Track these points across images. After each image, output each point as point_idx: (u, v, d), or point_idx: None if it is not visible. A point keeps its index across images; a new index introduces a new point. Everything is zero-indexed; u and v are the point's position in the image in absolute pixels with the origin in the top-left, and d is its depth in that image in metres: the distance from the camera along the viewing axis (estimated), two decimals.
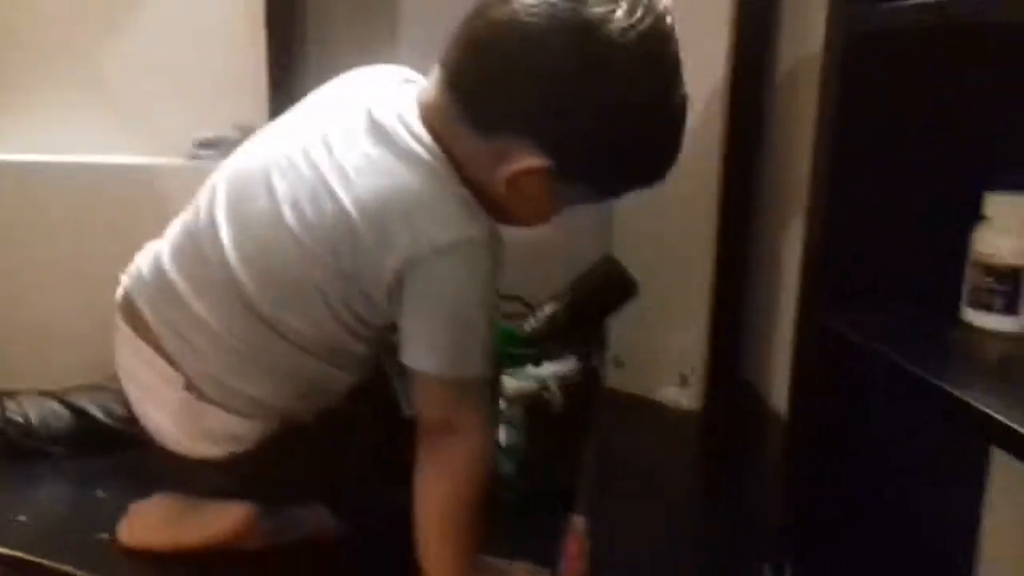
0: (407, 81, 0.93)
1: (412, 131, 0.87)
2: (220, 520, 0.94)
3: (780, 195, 1.69)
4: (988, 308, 0.90)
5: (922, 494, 1.06)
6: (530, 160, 0.85)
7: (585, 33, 0.81)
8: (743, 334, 1.84)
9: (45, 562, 0.92)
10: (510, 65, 0.84)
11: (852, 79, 0.92)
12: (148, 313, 0.93)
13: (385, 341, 0.99)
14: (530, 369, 1.24)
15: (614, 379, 1.76)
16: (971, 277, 0.92)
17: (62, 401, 1.18)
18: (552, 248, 1.45)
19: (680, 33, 0.83)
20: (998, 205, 0.91)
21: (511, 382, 1.20)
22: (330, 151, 0.88)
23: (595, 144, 0.86)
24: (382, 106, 0.89)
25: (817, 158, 0.95)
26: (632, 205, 1.68)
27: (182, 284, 0.91)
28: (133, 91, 1.35)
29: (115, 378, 1.00)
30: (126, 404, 1.06)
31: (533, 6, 0.82)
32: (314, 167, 0.88)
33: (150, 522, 0.97)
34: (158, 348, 0.92)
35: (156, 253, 0.95)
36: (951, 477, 1.06)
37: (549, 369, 1.24)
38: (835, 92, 0.92)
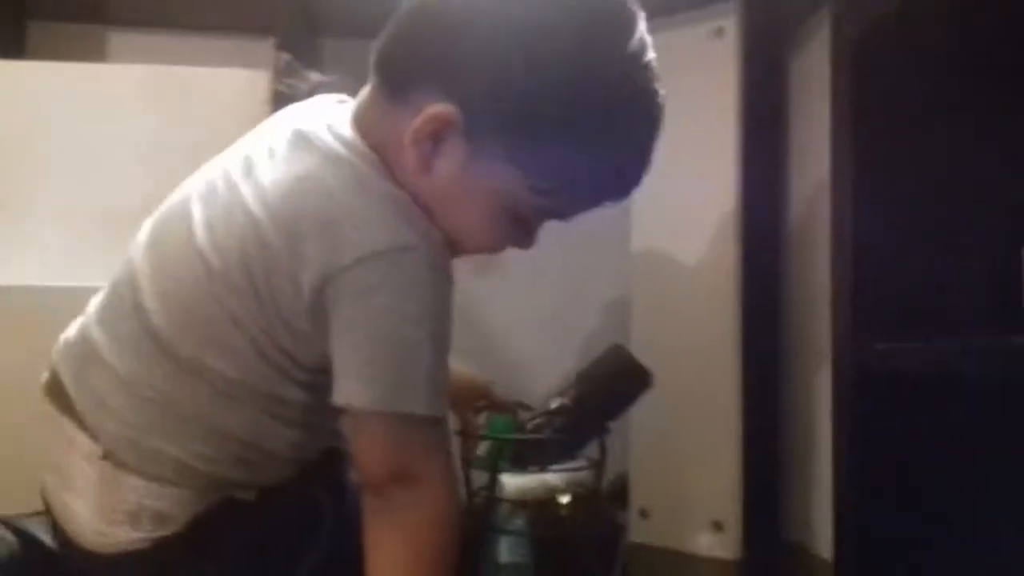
0: (342, 102, 0.84)
1: (336, 132, 0.77)
2: None
3: (809, 321, 1.58)
4: None
5: None
6: (433, 108, 0.73)
7: None
8: (781, 479, 1.67)
9: None
10: (418, 18, 0.76)
11: (873, 79, 0.83)
12: (69, 381, 0.82)
13: None
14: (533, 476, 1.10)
15: (640, 532, 1.57)
16: None
17: (9, 526, 1.05)
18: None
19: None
20: None
21: (512, 483, 1.05)
22: (250, 169, 0.79)
23: (509, 91, 0.72)
24: (309, 118, 0.80)
25: (836, 170, 0.85)
26: (647, 340, 1.59)
27: (103, 340, 0.80)
28: None
29: None
30: None
31: None
32: (231, 185, 0.78)
33: None
34: (78, 419, 0.80)
35: (83, 319, 0.85)
36: None
37: (557, 474, 1.10)
38: (852, 96, 0.83)
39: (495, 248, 0.81)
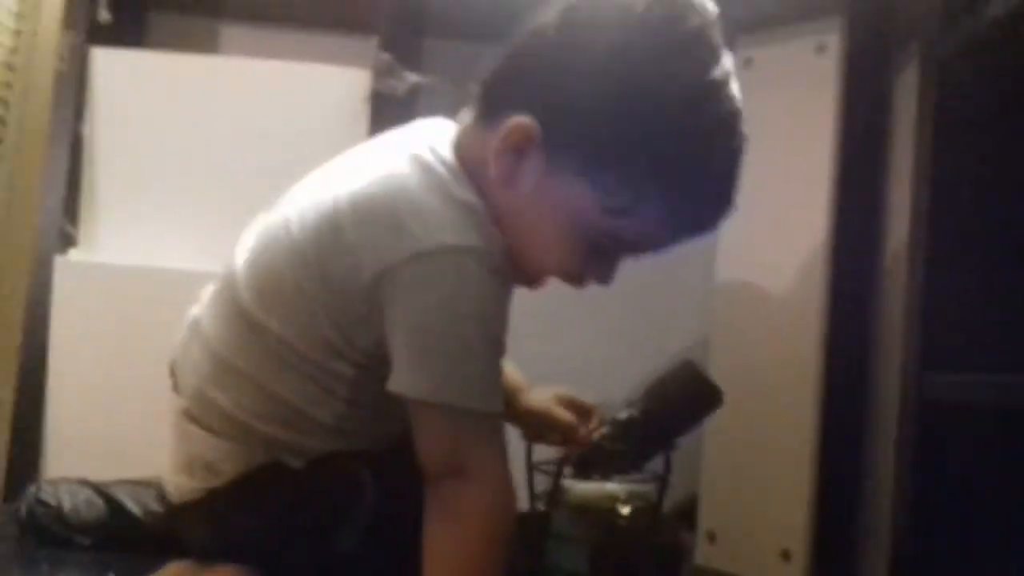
0: (443, 126, 0.89)
1: (434, 149, 0.82)
2: None
3: (894, 357, 1.54)
4: None
5: None
6: (516, 120, 0.77)
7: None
8: (856, 514, 1.62)
9: None
10: (515, 47, 0.80)
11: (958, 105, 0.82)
12: (179, 357, 0.92)
13: None
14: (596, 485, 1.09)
15: (706, 556, 1.56)
16: None
17: (99, 491, 1.12)
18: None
19: None
20: None
21: (575, 490, 1.05)
22: (350, 173, 0.85)
23: (585, 106, 0.74)
24: (414, 136, 0.86)
25: (915, 210, 0.83)
26: (725, 361, 1.57)
27: (206, 318, 0.89)
28: None
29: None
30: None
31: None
32: (330, 185, 0.85)
33: None
34: (179, 387, 0.91)
35: (197, 305, 0.95)
36: None
37: (620, 485, 1.09)
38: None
39: (569, 271, 0.83)
